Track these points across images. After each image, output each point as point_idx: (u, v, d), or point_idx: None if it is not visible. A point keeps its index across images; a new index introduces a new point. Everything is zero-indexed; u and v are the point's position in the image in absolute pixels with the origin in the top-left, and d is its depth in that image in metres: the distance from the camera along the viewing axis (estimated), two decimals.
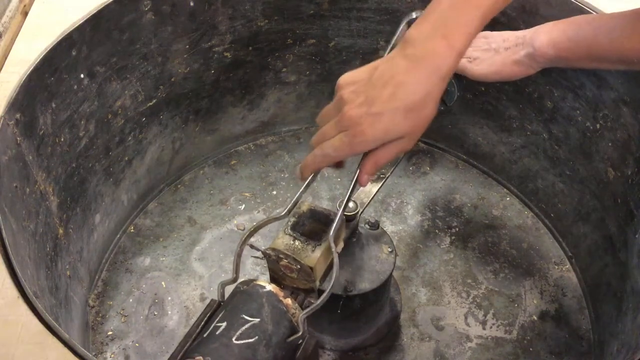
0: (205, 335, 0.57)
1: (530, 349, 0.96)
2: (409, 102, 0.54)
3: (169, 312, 0.99)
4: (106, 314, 0.99)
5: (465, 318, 1.00)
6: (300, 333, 0.60)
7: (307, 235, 0.67)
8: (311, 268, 0.64)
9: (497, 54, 0.87)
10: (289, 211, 0.67)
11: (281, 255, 0.65)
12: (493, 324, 0.99)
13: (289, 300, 0.62)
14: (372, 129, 0.55)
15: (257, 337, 0.57)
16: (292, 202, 0.67)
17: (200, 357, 0.54)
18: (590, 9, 0.88)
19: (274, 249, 0.66)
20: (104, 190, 1.00)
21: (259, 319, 0.58)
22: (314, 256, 0.65)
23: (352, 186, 0.63)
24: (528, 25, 0.94)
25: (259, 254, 0.67)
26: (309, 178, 0.65)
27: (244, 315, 0.58)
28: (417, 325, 0.99)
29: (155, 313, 0.99)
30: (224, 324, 0.58)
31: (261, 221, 0.67)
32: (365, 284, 0.83)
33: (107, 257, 1.06)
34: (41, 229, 0.80)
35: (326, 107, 0.61)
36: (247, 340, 0.56)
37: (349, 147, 0.57)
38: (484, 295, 1.03)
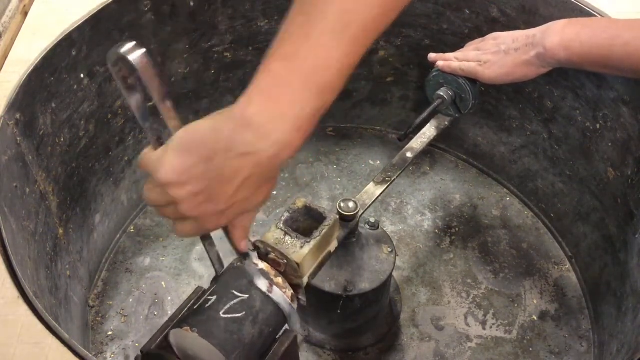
0: (195, 308, 0.59)
1: (530, 349, 0.96)
2: (256, 190, 0.51)
3: (169, 312, 0.99)
4: (106, 314, 0.99)
5: (465, 318, 1.00)
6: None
7: (299, 232, 0.67)
8: (298, 264, 0.65)
9: (507, 56, 0.86)
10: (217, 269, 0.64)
11: (269, 249, 0.66)
12: (493, 324, 0.99)
13: (279, 279, 0.63)
14: (220, 218, 0.52)
15: (244, 312, 0.58)
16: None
17: (188, 328, 0.56)
18: (590, 9, 0.88)
19: (263, 242, 0.66)
20: (104, 190, 1.00)
21: (247, 296, 0.59)
22: (301, 252, 0.65)
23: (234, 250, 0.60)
24: (528, 25, 0.94)
25: (249, 244, 0.68)
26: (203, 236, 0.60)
27: (233, 291, 0.59)
28: (417, 325, 0.99)
29: (155, 313, 0.99)
30: (214, 297, 0.59)
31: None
32: (365, 284, 0.83)
33: (107, 257, 1.06)
34: (41, 229, 0.80)
35: (149, 189, 0.53)
36: (234, 315, 0.57)
37: (203, 232, 0.54)
38: (484, 295, 1.03)
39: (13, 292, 0.61)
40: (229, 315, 0.57)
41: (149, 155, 0.51)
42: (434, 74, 0.96)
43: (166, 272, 1.05)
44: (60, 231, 0.87)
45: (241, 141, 0.47)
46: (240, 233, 0.56)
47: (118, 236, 1.09)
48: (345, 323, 0.91)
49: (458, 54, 0.95)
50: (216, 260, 0.62)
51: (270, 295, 0.59)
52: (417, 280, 1.05)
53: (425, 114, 0.95)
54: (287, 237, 0.67)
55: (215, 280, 0.62)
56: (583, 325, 1.00)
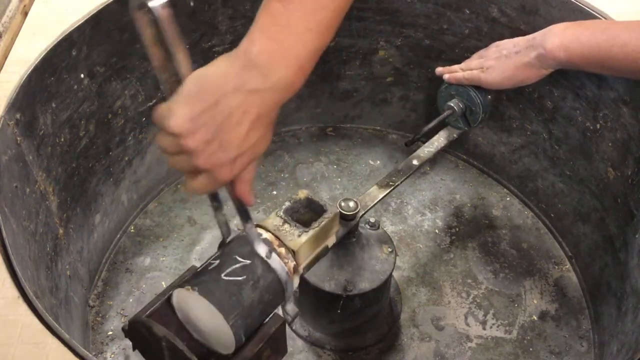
0: (198, 270, 0.61)
1: (530, 349, 0.96)
2: (263, 133, 0.52)
3: None
4: (106, 314, 0.99)
5: (465, 318, 1.00)
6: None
7: (298, 222, 0.68)
8: (294, 252, 0.65)
9: (508, 60, 0.87)
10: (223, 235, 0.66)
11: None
12: (493, 324, 0.99)
13: (282, 250, 0.64)
14: (232, 169, 0.52)
15: (245, 276, 0.59)
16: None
17: (189, 287, 0.57)
18: (590, 9, 0.88)
19: (261, 227, 0.66)
20: (104, 190, 1.00)
21: (250, 261, 0.60)
22: (299, 240, 0.66)
23: (238, 208, 0.60)
24: (528, 25, 0.94)
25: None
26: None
27: (236, 256, 0.60)
28: (417, 325, 0.99)
29: None
30: (217, 261, 0.60)
31: None
32: (365, 284, 0.83)
33: (107, 257, 1.06)
34: (41, 229, 0.80)
35: (162, 141, 0.51)
36: (235, 278, 0.58)
37: (215, 186, 0.54)
38: (484, 295, 1.03)
39: (13, 292, 0.61)
40: (230, 278, 0.58)
41: (161, 106, 0.50)
42: (446, 85, 0.97)
43: (166, 272, 1.05)
44: (60, 231, 0.87)
45: (247, 80, 0.48)
46: (246, 186, 0.57)
47: (118, 236, 1.09)
48: (345, 323, 0.91)
49: (462, 64, 0.96)
50: (223, 225, 0.62)
51: (268, 261, 0.60)
52: (417, 280, 1.05)
53: (433, 123, 0.95)
54: (286, 225, 0.67)
55: (221, 246, 0.63)
56: (583, 325, 1.00)
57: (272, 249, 0.62)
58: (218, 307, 0.56)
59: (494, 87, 0.91)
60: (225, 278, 0.58)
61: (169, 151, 0.52)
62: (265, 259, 0.60)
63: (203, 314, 0.58)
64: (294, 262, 0.65)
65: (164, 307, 0.60)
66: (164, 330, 0.56)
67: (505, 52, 0.88)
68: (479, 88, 0.94)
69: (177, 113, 0.48)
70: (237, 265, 0.59)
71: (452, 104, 0.96)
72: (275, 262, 0.61)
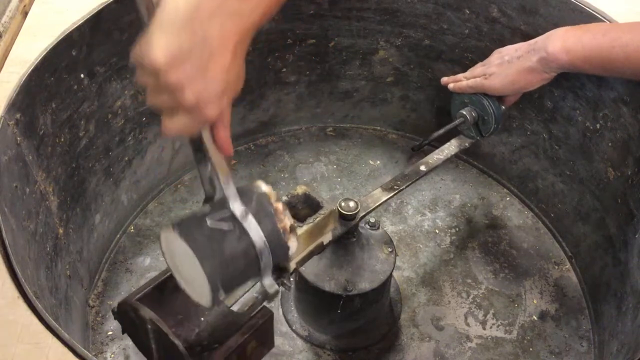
0: (188, 215, 0.57)
1: (530, 349, 0.96)
2: (241, 66, 0.50)
3: None
4: (106, 314, 0.98)
5: (465, 318, 1.00)
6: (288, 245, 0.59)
7: (295, 217, 0.67)
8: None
9: (510, 65, 0.88)
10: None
11: None
12: (493, 324, 0.99)
13: (279, 205, 0.59)
14: (219, 104, 0.49)
15: (233, 227, 0.55)
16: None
17: (171, 228, 0.54)
18: (590, 9, 0.88)
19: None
20: (104, 190, 1.00)
21: None
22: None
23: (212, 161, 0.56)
24: (528, 25, 0.94)
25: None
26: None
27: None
28: (417, 325, 0.99)
29: None
30: (208, 208, 0.57)
31: None
32: (365, 284, 0.83)
33: (107, 257, 1.06)
34: (41, 229, 0.80)
35: (142, 78, 0.48)
36: (221, 226, 0.55)
37: (199, 125, 0.51)
38: (484, 295, 1.03)
39: (13, 292, 0.61)
40: (216, 226, 0.55)
41: (138, 43, 0.47)
42: (459, 93, 0.97)
43: None
44: (60, 231, 0.87)
45: (223, 2, 0.46)
46: (227, 131, 0.53)
47: (118, 236, 1.09)
48: (346, 323, 0.91)
49: (467, 73, 0.96)
50: (207, 180, 0.58)
51: (241, 221, 0.55)
52: (417, 280, 1.05)
53: (442, 130, 0.95)
54: None
55: (205, 203, 0.59)
56: (583, 325, 1.00)
57: (248, 211, 0.56)
58: (195, 250, 0.53)
59: (497, 93, 0.91)
60: (210, 225, 0.54)
61: (149, 88, 0.48)
62: (240, 219, 0.55)
63: (183, 257, 0.54)
64: (292, 221, 0.60)
65: (154, 292, 0.59)
66: (151, 313, 0.55)
67: (507, 58, 0.88)
68: (492, 98, 0.93)
69: (154, 45, 0.45)
70: (227, 214, 0.55)
71: (464, 112, 0.96)
72: (250, 223, 0.56)
